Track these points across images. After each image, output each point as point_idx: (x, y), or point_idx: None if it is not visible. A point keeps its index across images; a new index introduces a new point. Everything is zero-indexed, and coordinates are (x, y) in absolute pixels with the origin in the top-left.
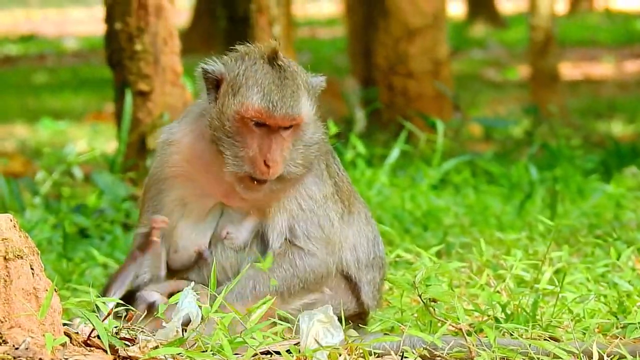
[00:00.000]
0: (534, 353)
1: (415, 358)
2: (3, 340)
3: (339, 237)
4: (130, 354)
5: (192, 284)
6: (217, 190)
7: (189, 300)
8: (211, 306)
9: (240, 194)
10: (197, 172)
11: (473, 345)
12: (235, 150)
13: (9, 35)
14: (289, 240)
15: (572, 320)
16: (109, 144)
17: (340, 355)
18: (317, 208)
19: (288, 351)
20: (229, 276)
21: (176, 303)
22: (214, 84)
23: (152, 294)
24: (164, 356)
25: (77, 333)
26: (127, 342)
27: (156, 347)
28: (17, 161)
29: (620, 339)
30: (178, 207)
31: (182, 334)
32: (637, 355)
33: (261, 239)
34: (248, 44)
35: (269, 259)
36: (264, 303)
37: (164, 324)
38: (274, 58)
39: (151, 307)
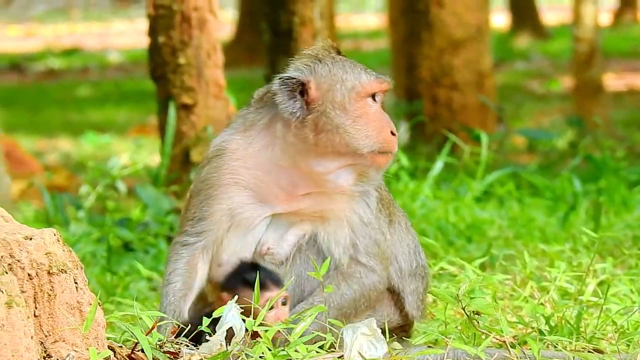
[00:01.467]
0: None
1: None
2: (47, 355)
3: (390, 249)
4: None
5: (236, 297)
6: (274, 196)
7: (232, 314)
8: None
9: (371, 177)
10: (255, 180)
11: (517, 358)
12: (363, 132)
13: (52, 49)
14: (352, 257)
15: (616, 332)
16: (152, 157)
17: None
18: (373, 220)
19: None
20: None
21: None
22: (299, 90)
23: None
24: None
25: (121, 347)
26: (170, 356)
27: None
28: (61, 175)
29: None
30: (226, 218)
31: (226, 348)
32: None
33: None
34: (295, 55)
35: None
36: (309, 316)
37: (207, 337)
38: (338, 50)
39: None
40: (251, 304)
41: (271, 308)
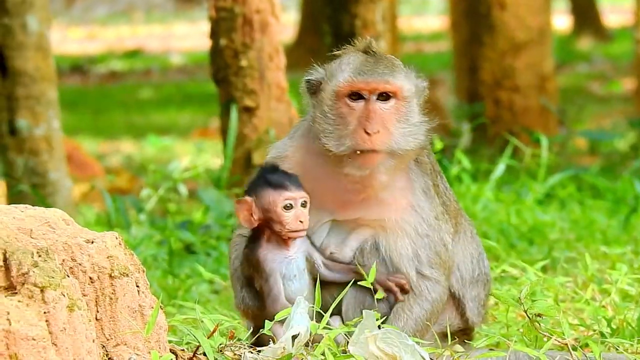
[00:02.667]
0: None
1: None
2: (109, 358)
3: (452, 259)
4: None
5: (303, 297)
6: (330, 202)
7: (300, 313)
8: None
9: (352, 175)
10: (310, 187)
11: None
12: (338, 132)
13: (114, 51)
14: (417, 270)
15: None
16: (214, 160)
17: None
18: (433, 231)
19: None
20: (333, 294)
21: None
22: (316, 90)
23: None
24: None
25: (183, 350)
26: None
27: None
28: (123, 178)
29: None
30: None
31: (292, 350)
32: None
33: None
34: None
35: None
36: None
37: (271, 342)
38: (369, 48)
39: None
40: (271, 203)
41: (291, 208)
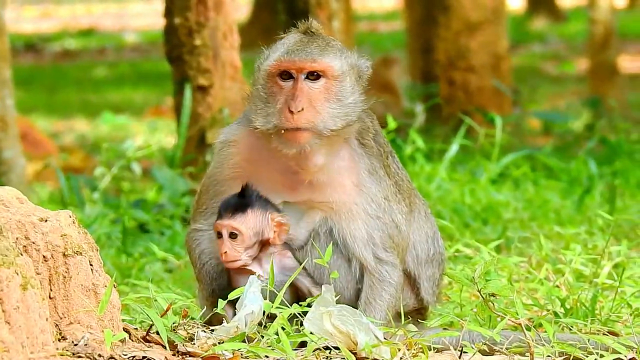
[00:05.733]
0: (592, 348)
1: (475, 353)
2: (62, 337)
3: (406, 240)
4: (189, 349)
5: (257, 274)
6: (279, 185)
7: (253, 292)
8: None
9: (284, 154)
10: (258, 171)
11: (532, 340)
12: (265, 111)
13: (69, 29)
14: (373, 254)
15: (631, 314)
16: (168, 139)
17: (399, 350)
18: (383, 213)
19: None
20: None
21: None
22: (256, 72)
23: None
24: (223, 352)
25: (136, 329)
26: (186, 339)
27: (216, 345)
28: (77, 156)
29: None
30: None
31: (245, 329)
32: None
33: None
34: None
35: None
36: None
37: (223, 321)
38: (308, 29)
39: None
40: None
41: (220, 237)
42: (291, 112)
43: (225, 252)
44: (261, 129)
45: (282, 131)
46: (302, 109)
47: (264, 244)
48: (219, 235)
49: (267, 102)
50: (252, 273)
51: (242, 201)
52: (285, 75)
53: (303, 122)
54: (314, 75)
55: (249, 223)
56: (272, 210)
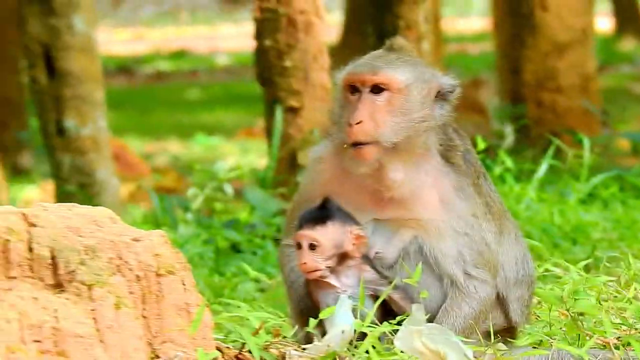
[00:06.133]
0: None
1: None
2: (156, 355)
3: (497, 259)
4: None
5: (348, 293)
6: (367, 202)
7: (344, 311)
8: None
9: (354, 170)
10: (345, 188)
11: (620, 359)
12: (339, 125)
13: (160, 52)
14: (464, 270)
15: None
16: (259, 160)
17: None
18: (471, 230)
19: None
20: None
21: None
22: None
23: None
24: None
25: (229, 347)
26: (278, 358)
27: None
28: (170, 177)
29: None
30: None
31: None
32: None
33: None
34: None
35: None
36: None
37: (314, 339)
38: (391, 46)
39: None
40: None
41: (299, 247)
42: (351, 125)
43: (305, 263)
44: (337, 144)
45: (345, 146)
46: (361, 122)
47: (342, 257)
48: (299, 246)
49: (340, 117)
50: (331, 286)
51: (322, 213)
52: (353, 88)
53: (361, 135)
54: (378, 89)
55: (329, 235)
56: (351, 223)
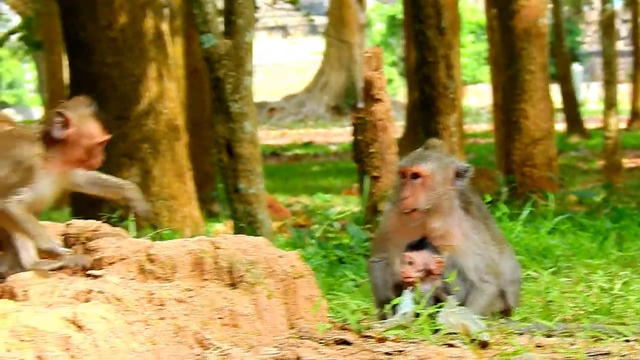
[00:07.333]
0: None
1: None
2: (292, 327)
3: (500, 269)
4: (369, 334)
5: (410, 288)
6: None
7: (407, 300)
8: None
9: (407, 224)
10: (406, 229)
11: (575, 328)
12: (397, 196)
13: (296, 143)
14: (479, 277)
15: None
16: (356, 208)
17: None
18: (483, 251)
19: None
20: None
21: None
22: None
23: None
24: (389, 336)
25: (335, 322)
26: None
27: (385, 331)
28: (302, 218)
29: None
30: (395, 248)
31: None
32: None
33: (450, 267)
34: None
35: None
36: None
37: (388, 317)
38: (428, 145)
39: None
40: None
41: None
42: (400, 200)
43: (408, 276)
44: (398, 205)
45: (401, 212)
46: (406, 198)
47: (427, 273)
48: (410, 262)
49: (397, 191)
50: (412, 286)
51: (420, 244)
52: (402, 174)
53: (406, 207)
54: (415, 175)
55: (421, 257)
56: (435, 252)
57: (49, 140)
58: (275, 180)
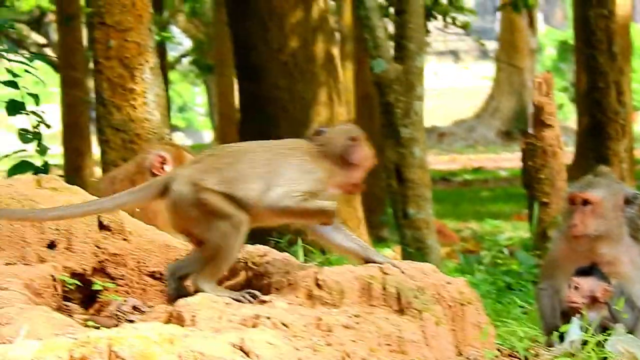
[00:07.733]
0: None
1: None
2: (459, 353)
3: None
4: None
5: (578, 316)
6: (586, 264)
7: (575, 327)
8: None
9: (576, 248)
10: (575, 255)
11: None
12: (567, 223)
13: (466, 168)
14: None
15: None
16: (524, 234)
17: None
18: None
19: None
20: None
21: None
22: None
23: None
24: None
25: (503, 349)
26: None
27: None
28: (471, 244)
29: None
30: (564, 275)
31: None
32: None
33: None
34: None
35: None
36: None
37: (556, 344)
38: (597, 172)
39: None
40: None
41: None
42: (570, 227)
43: (573, 301)
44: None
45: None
46: (576, 225)
47: (593, 300)
48: (576, 288)
49: (566, 217)
50: (578, 313)
51: (589, 270)
52: (571, 201)
53: (575, 233)
54: (585, 202)
55: (590, 284)
56: (603, 279)
57: (336, 162)
58: (444, 206)
